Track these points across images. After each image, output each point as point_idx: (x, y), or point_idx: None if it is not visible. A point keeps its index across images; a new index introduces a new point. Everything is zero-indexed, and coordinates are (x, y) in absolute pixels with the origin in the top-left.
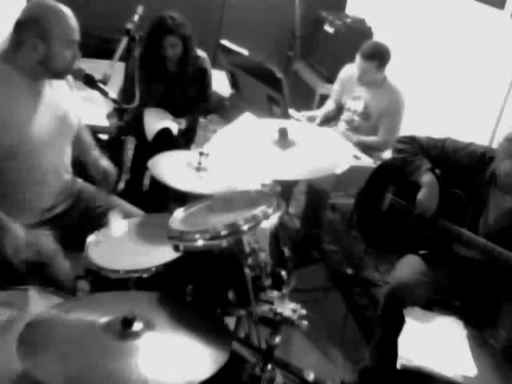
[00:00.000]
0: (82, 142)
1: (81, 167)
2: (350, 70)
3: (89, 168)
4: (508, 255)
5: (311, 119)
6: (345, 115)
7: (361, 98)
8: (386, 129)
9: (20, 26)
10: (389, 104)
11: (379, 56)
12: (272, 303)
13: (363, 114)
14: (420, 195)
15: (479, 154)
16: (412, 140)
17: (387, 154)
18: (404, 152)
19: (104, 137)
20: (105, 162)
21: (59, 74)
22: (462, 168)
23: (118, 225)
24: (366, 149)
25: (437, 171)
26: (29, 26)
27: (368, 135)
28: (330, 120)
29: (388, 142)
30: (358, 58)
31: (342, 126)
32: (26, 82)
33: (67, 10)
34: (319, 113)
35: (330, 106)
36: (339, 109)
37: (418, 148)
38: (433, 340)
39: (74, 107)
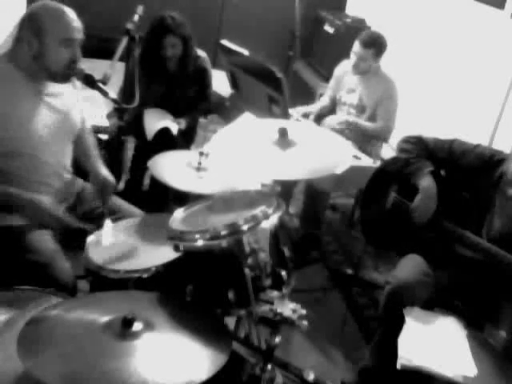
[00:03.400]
0: (83, 144)
1: (81, 167)
2: (344, 66)
3: (89, 175)
4: (511, 259)
5: (306, 115)
6: (341, 110)
7: (355, 90)
8: (383, 115)
9: (20, 24)
10: (383, 92)
11: (378, 44)
12: (272, 303)
13: (358, 107)
14: (415, 201)
15: (487, 157)
16: (418, 140)
17: (387, 154)
18: (408, 152)
19: (104, 137)
20: (105, 171)
21: (55, 76)
22: (469, 170)
23: (108, 234)
24: (366, 137)
25: (442, 172)
26: (26, 23)
27: None
28: (324, 116)
29: (388, 128)
30: (356, 45)
31: (340, 114)
32: (28, 80)
33: (68, 11)
34: (314, 109)
35: (324, 101)
36: (333, 105)
37: (423, 149)
38: (433, 340)
39: (77, 107)
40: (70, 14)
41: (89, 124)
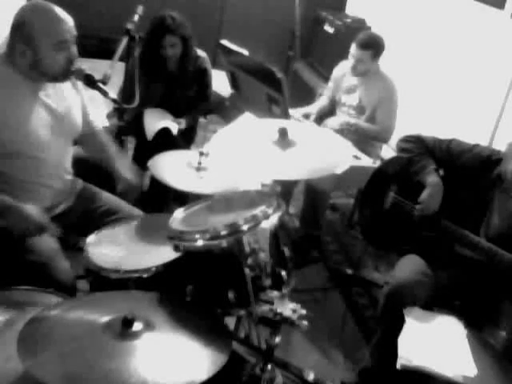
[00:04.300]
0: (95, 145)
1: (82, 167)
2: (343, 67)
3: (113, 177)
4: (510, 258)
5: (306, 116)
6: (341, 111)
7: (355, 91)
8: (383, 116)
9: (11, 32)
10: (382, 92)
11: (375, 45)
12: (272, 303)
13: (358, 108)
14: (423, 195)
15: (485, 156)
16: (417, 140)
17: (387, 154)
18: (409, 151)
19: None
20: (128, 174)
21: (55, 78)
22: (467, 170)
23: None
24: (366, 138)
25: (440, 172)
26: (16, 33)
27: None
28: (324, 116)
29: (389, 128)
30: (353, 47)
31: (341, 116)
32: (26, 82)
33: (58, 11)
34: (313, 109)
35: (323, 101)
36: (333, 105)
37: (423, 148)
38: (433, 340)
39: (78, 107)
40: (60, 13)
41: (99, 124)
